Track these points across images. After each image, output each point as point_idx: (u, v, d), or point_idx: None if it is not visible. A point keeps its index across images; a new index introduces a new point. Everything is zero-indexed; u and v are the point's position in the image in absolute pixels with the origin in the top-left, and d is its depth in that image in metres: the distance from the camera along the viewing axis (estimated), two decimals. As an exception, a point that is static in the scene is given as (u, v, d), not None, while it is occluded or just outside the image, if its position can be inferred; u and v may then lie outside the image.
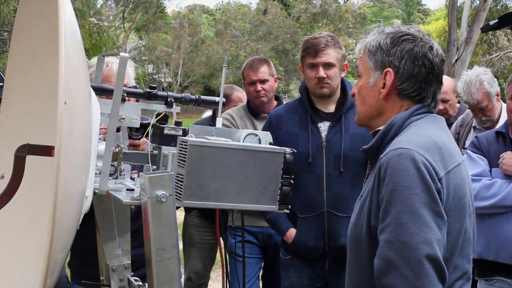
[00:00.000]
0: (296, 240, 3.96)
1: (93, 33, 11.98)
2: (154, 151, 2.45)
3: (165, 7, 50.31)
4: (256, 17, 51.53)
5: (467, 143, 5.20)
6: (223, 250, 2.74)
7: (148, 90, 2.55)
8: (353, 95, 2.51)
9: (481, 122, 5.32)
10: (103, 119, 2.30)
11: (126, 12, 43.44)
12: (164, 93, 2.56)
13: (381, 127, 2.34)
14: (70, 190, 1.82)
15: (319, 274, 4.04)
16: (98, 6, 34.21)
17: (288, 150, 2.35)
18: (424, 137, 2.19)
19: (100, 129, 2.30)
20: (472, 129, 5.50)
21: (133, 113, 2.46)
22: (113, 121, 2.23)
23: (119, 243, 2.66)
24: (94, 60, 3.04)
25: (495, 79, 5.40)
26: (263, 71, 5.01)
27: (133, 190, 2.27)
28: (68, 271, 3.71)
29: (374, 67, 2.37)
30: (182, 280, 6.15)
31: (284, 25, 49.37)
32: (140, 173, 2.21)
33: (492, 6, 25.06)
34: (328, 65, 3.90)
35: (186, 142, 2.21)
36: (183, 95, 2.63)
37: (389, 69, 2.32)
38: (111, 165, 2.31)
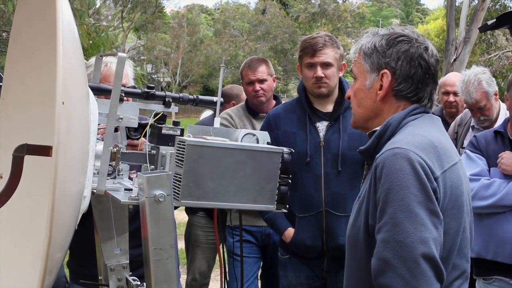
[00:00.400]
0: (294, 239, 3.97)
1: (92, 32, 11.98)
2: (152, 151, 2.46)
3: (163, 6, 50.26)
4: (255, 16, 51.51)
5: (466, 142, 5.19)
6: (221, 250, 2.74)
7: (146, 90, 2.55)
8: (348, 98, 2.51)
9: (480, 121, 5.32)
10: (101, 119, 2.31)
11: (125, 11, 43.36)
12: (162, 93, 2.56)
13: (378, 128, 2.35)
14: (68, 190, 1.83)
15: (317, 273, 4.04)
16: (97, 5, 34.17)
17: (285, 149, 2.35)
18: (420, 137, 2.20)
19: (98, 129, 2.30)
20: (470, 129, 5.50)
21: (131, 113, 2.46)
22: (111, 121, 2.24)
23: (117, 243, 2.66)
24: (93, 60, 3.04)
25: (493, 79, 5.39)
26: (262, 71, 5.01)
27: (131, 190, 2.28)
28: (67, 271, 3.71)
29: (370, 69, 2.37)
30: (183, 280, 6.18)
31: (282, 25, 49.35)
32: (138, 173, 2.22)
33: (490, 5, 25.07)
34: (326, 65, 3.90)
35: (184, 142, 2.22)
36: (181, 95, 2.63)
37: (385, 70, 2.33)
38: (109, 165, 2.32)
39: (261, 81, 4.99)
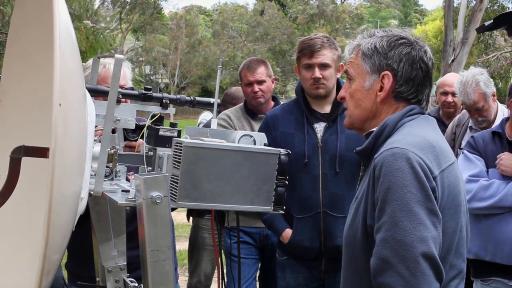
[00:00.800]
0: (292, 240, 3.97)
1: (90, 35, 11.98)
2: (150, 153, 2.46)
3: (162, 8, 50.27)
4: (253, 17, 51.58)
5: (463, 143, 5.20)
6: (218, 251, 2.74)
7: (143, 91, 2.56)
8: (341, 99, 2.50)
9: (477, 122, 5.32)
10: (98, 120, 2.31)
11: (123, 13, 43.36)
12: (159, 95, 2.57)
13: (374, 129, 2.35)
14: (65, 191, 1.83)
15: (315, 274, 4.04)
16: (95, 7, 34.16)
17: (282, 151, 2.36)
18: (418, 137, 2.21)
19: (96, 130, 2.31)
20: (468, 129, 5.51)
21: (128, 114, 2.47)
22: (108, 123, 2.24)
23: (114, 244, 2.66)
24: (90, 61, 3.05)
25: (491, 80, 5.40)
26: (260, 72, 5.02)
27: (128, 191, 2.28)
28: (65, 273, 3.71)
29: (370, 70, 2.37)
30: (183, 282, 6.20)
31: (281, 26, 49.41)
32: (135, 174, 2.22)
33: (488, 6, 25.09)
34: (323, 66, 3.91)
35: (181, 143, 2.22)
36: (178, 96, 2.64)
37: (387, 72, 2.33)
38: (107, 166, 2.32)
39: (260, 82, 5.00)
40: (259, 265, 5.10)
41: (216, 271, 6.20)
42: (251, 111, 5.08)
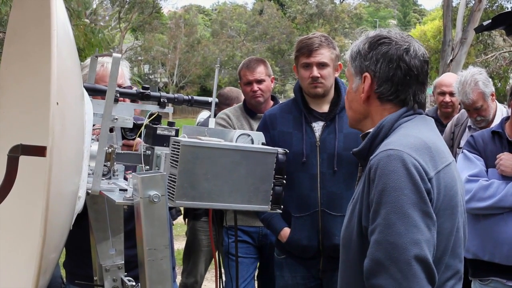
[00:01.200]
0: (290, 239, 3.97)
1: (88, 33, 11.97)
2: (147, 152, 2.46)
3: (161, 7, 50.26)
4: (252, 17, 51.60)
5: (462, 142, 5.20)
6: (216, 251, 2.74)
7: (141, 90, 2.56)
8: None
9: (476, 122, 5.32)
10: (96, 119, 2.31)
11: (122, 12, 43.38)
12: (157, 94, 2.57)
13: (371, 130, 2.35)
14: (62, 190, 1.83)
15: (313, 273, 4.05)
16: (94, 6, 34.14)
17: (280, 150, 2.36)
18: (414, 138, 2.20)
19: (93, 129, 2.31)
20: (467, 129, 5.51)
21: (126, 113, 2.47)
22: (106, 122, 2.24)
23: (112, 243, 2.66)
24: (88, 60, 3.05)
25: (490, 79, 5.41)
26: (260, 71, 5.03)
27: (126, 190, 2.28)
28: (63, 272, 3.71)
29: (354, 72, 2.40)
30: (178, 280, 6.21)
31: (280, 26, 49.44)
32: (133, 173, 2.22)
33: (487, 6, 25.10)
34: (321, 65, 3.91)
35: (179, 143, 2.22)
36: (176, 95, 2.64)
37: (366, 73, 2.34)
38: (104, 165, 2.32)
39: (259, 81, 5.00)
40: (258, 264, 5.11)
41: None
42: (251, 110, 5.09)
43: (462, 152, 4.28)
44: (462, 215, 2.30)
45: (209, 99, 2.70)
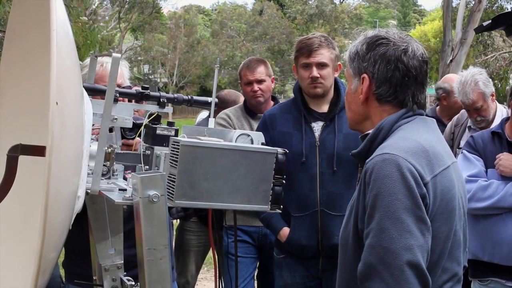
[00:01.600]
0: (290, 239, 3.98)
1: (86, 30, 11.95)
2: (147, 151, 2.46)
3: (161, 7, 50.29)
4: (252, 17, 51.60)
5: (462, 143, 5.20)
6: (215, 251, 2.74)
7: (141, 90, 2.56)
8: None
9: (476, 122, 5.33)
10: (95, 119, 2.31)
11: (122, 12, 43.38)
12: (156, 94, 2.57)
13: (370, 131, 2.35)
14: (62, 189, 1.83)
15: (312, 273, 4.05)
16: (94, 6, 34.12)
17: (280, 150, 2.36)
18: (411, 142, 2.18)
19: (93, 129, 2.31)
20: (467, 129, 5.51)
21: (125, 113, 2.47)
22: (105, 122, 2.24)
23: (111, 243, 2.66)
24: (88, 60, 3.05)
25: (490, 80, 5.41)
26: (260, 71, 5.03)
27: (125, 190, 2.28)
28: (62, 271, 3.71)
29: (353, 73, 2.39)
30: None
31: (280, 26, 49.45)
32: (132, 173, 2.22)
33: (487, 7, 25.09)
34: (321, 65, 3.92)
35: (178, 142, 2.22)
36: (175, 95, 2.64)
37: (364, 75, 2.33)
38: (104, 165, 2.32)
39: (260, 81, 5.01)
40: (258, 264, 5.11)
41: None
42: (251, 110, 5.09)
43: (461, 152, 4.29)
44: (461, 218, 2.29)
45: (209, 99, 2.70)
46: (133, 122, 2.53)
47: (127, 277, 2.66)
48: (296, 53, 4.03)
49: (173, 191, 2.21)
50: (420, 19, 73.29)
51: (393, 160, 2.09)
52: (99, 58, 3.10)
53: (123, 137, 2.63)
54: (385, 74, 2.29)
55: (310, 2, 53.69)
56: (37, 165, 1.85)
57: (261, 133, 2.51)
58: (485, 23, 4.93)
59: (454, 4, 21.87)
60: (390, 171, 2.08)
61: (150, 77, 51.78)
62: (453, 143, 5.57)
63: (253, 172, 2.30)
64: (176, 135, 2.43)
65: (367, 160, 2.18)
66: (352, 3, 60.10)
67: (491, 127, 4.76)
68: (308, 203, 3.93)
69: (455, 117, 5.80)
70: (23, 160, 1.85)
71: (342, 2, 59.16)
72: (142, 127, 2.54)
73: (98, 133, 2.32)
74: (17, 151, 1.84)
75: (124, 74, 3.38)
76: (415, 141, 2.19)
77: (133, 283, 2.60)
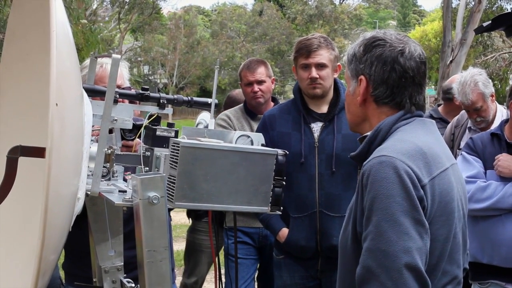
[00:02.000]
0: (288, 239, 3.98)
1: (86, 31, 11.96)
2: (147, 153, 2.46)
3: (160, 8, 50.27)
4: (252, 18, 51.60)
5: (462, 143, 5.20)
6: (215, 251, 2.74)
7: (141, 91, 2.55)
8: None
9: (476, 123, 5.32)
10: (95, 120, 2.31)
11: (122, 13, 43.38)
12: (156, 95, 2.57)
13: (368, 133, 2.34)
14: (61, 191, 1.83)
15: (312, 273, 4.05)
16: (94, 7, 34.14)
17: (280, 151, 2.35)
18: (409, 144, 2.18)
19: (93, 130, 2.30)
20: (467, 130, 5.51)
21: (125, 114, 2.46)
22: (105, 123, 2.24)
23: (111, 245, 2.66)
24: (87, 61, 3.04)
25: (490, 80, 5.41)
26: (260, 72, 5.04)
27: (125, 191, 2.28)
28: (62, 273, 3.71)
29: (351, 75, 2.39)
30: (179, 281, 6.23)
31: (279, 26, 49.47)
32: (132, 174, 2.22)
33: (487, 7, 25.08)
34: (320, 66, 3.92)
35: (178, 144, 2.22)
36: (175, 96, 2.64)
37: (361, 76, 2.33)
38: (104, 166, 2.31)
39: (260, 82, 5.02)
40: (258, 265, 5.11)
41: (209, 271, 6.25)
42: (251, 111, 5.10)
43: (461, 154, 4.28)
44: (461, 220, 2.29)
45: (209, 100, 2.70)
46: (133, 123, 2.52)
47: (127, 279, 2.66)
48: (295, 53, 4.03)
49: (173, 192, 2.21)
50: (420, 19, 73.28)
51: (390, 162, 2.09)
52: (99, 59, 3.09)
53: (123, 138, 2.62)
54: (382, 76, 2.29)
55: (309, 2, 53.69)
56: (37, 166, 1.85)
57: (261, 134, 2.50)
58: (485, 24, 4.92)
59: (454, 5, 21.86)
60: (388, 173, 2.07)
61: (150, 77, 51.77)
62: (453, 144, 5.57)
63: (253, 173, 2.30)
64: (176, 136, 2.43)
65: (364, 163, 2.18)
66: (352, 4, 60.17)
67: (491, 127, 4.76)
68: (306, 204, 3.94)
69: (455, 118, 5.80)
70: (23, 161, 1.85)
71: (342, 3, 59.18)
72: (142, 128, 2.53)
73: (98, 134, 2.31)
74: (17, 153, 1.83)
75: (124, 75, 3.38)
76: (413, 143, 2.18)
77: (133, 285, 2.60)
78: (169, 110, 2.57)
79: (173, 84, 46.75)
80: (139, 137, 2.58)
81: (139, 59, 49.33)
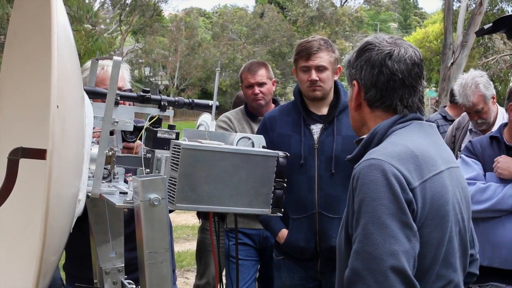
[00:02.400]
0: (288, 240, 3.99)
1: (89, 37, 11.97)
2: (148, 155, 2.46)
3: (162, 10, 50.29)
4: (253, 20, 51.59)
5: (463, 146, 5.21)
6: (216, 253, 2.74)
7: (142, 93, 2.56)
8: None
9: (477, 124, 5.33)
10: (96, 122, 2.31)
11: (123, 15, 43.43)
12: (157, 97, 2.57)
13: (364, 136, 2.35)
14: (62, 193, 1.83)
15: (311, 274, 4.06)
16: (95, 9, 34.16)
17: (281, 153, 2.35)
18: (400, 147, 2.17)
19: (94, 132, 2.31)
20: (468, 132, 5.52)
21: (126, 116, 2.47)
22: (106, 125, 2.24)
23: (112, 246, 2.66)
24: (89, 63, 3.05)
25: (491, 82, 5.42)
26: (261, 74, 5.05)
27: (126, 193, 2.28)
28: (63, 274, 3.72)
29: (347, 81, 2.43)
30: (180, 283, 6.23)
31: (281, 28, 49.45)
32: (133, 176, 2.22)
33: (488, 9, 25.08)
34: (320, 68, 3.93)
35: (179, 146, 2.22)
36: (176, 98, 2.64)
37: (354, 81, 2.36)
38: (105, 168, 2.32)
39: (261, 84, 5.02)
40: (259, 266, 5.11)
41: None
42: (252, 113, 5.10)
43: (460, 157, 4.29)
44: (458, 224, 2.28)
45: (210, 102, 2.71)
46: (134, 125, 2.53)
47: (128, 280, 2.66)
48: (295, 56, 4.04)
49: (174, 194, 2.21)
50: (421, 21, 73.28)
51: (378, 165, 2.09)
52: (100, 61, 3.10)
53: (124, 140, 2.63)
54: (371, 79, 2.30)
55: (311, 4, 53.68)
56: (37, 168, 1.85)
57: (262, 136, 2.50)
58: (486, 26, 4.94)
59: (455, 7, 21.85)
60: (375, 176, 2.08)
61: (151, 79, 51.78)
62: (454, 146, 5.58)
63: (254, 175, 2.30)
64: (177, 138, 2.43)
65: (355, 166, 2.19)
66: (353, 6, 60.13)
67: (492, 129, 4.77)
68: (306, 205, 3.94)
69: (456, 120, 5.81)
70: (23, 163, 1.85)
71: (343, 5, 59.14)
72: (143, 130, 2.53)
73: (99, 136, 2.32)
74: (18, 154, 1.84)
75: (125, 77, 3.38)
76: (404, 146, 2.18)
77: (134, 286, 2.60)
78: (170, 112, 2.58)
79: (174, 86, 46.75)
80: (140, 139, 2.58)
81: (140, 61, 49.37)
